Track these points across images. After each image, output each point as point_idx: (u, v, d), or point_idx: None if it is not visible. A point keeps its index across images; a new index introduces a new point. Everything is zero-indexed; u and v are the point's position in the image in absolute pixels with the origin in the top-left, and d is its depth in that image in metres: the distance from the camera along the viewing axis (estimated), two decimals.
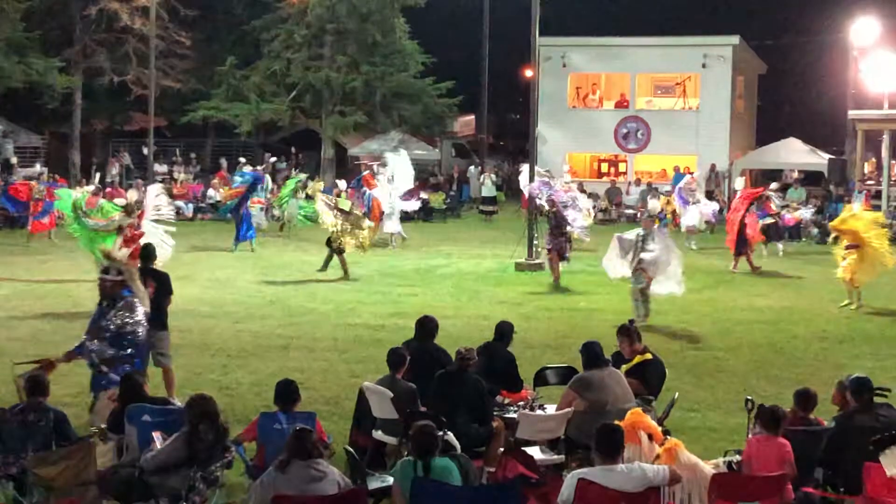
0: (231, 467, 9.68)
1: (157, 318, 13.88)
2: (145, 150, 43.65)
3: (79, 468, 9.27)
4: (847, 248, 21.90)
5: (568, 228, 24.44)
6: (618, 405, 10.56)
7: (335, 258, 25.05)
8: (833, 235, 24.01)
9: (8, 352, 16.75)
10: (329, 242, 25.09)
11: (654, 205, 34.29)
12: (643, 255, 19.48)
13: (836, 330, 19.56)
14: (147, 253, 14.26)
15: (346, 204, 25.88)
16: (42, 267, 25.35)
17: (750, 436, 10.02)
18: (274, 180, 40.94)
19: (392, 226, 30.87)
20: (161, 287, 13.84)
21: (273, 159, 45.51)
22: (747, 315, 21.04)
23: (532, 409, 11.42)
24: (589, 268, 27.26)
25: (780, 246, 30.89)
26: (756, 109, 53.72)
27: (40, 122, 49.27)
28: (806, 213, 35.43)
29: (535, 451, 10.65)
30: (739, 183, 31.97)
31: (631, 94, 46.71)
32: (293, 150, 51.53)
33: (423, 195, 33.95)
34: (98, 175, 38.48)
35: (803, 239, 34.45)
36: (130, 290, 12.48)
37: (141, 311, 12.24)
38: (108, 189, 36.31)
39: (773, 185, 34.22)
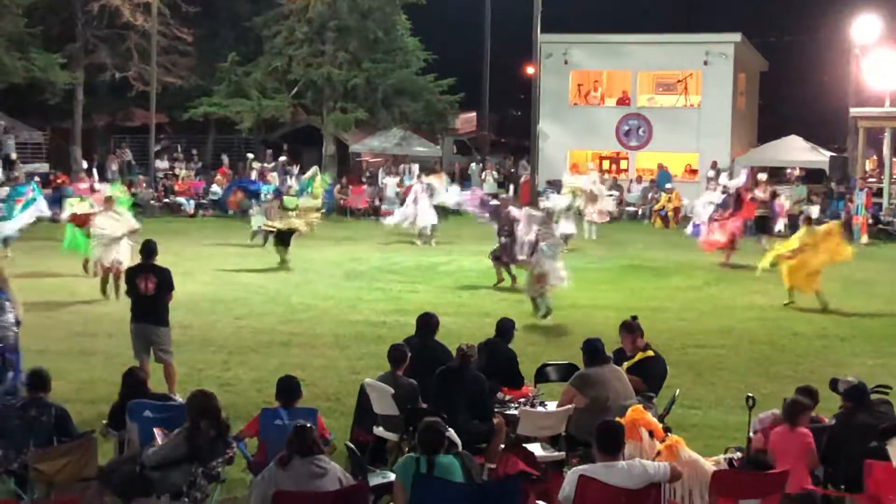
0: (232, 463, 9.70)
1: (159, 314, 13.88)
2: (160, 146, 43.79)
3: (80, 464, 9.29)
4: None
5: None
6: (619, 402, 10.57)
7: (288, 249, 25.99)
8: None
9: None
10: (279, 239, 25.90)
11: (558, 200, 31.66)
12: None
13: (837, 328, 19.57)
14: (149, 249, 14.23)
15: (292, 202, 26.58)
16: (45, 263, 25.32)
17: (751, 433, 10.05)
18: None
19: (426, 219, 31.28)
20: (162, 283, 13.83)
21: (282, 158, 45.41)
22: (748, 312, 21.05)
23: (533, 405, 11.43)
24: (590, 265, 27.33)
25: (763, 240, 30.03)
26: (757, 107, 53.66)
27: (42, 118, 49.26)
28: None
29: (535, 448, 10.66)
30: (723, 179, 31.67)
31: (632, 91, 46.64)
32: (285, 147, 51.59)
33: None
34: (95, 172, 38.39)
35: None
36: (4, 293, 12.45)
37: (11, 316, 12.12)
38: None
39: (762, 176, 33.75)
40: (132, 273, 14.06)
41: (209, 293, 21.81)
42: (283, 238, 25.87)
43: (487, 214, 24.12)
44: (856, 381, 10.42)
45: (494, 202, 24.73)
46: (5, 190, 28.53)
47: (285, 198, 26.91)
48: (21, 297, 20.95)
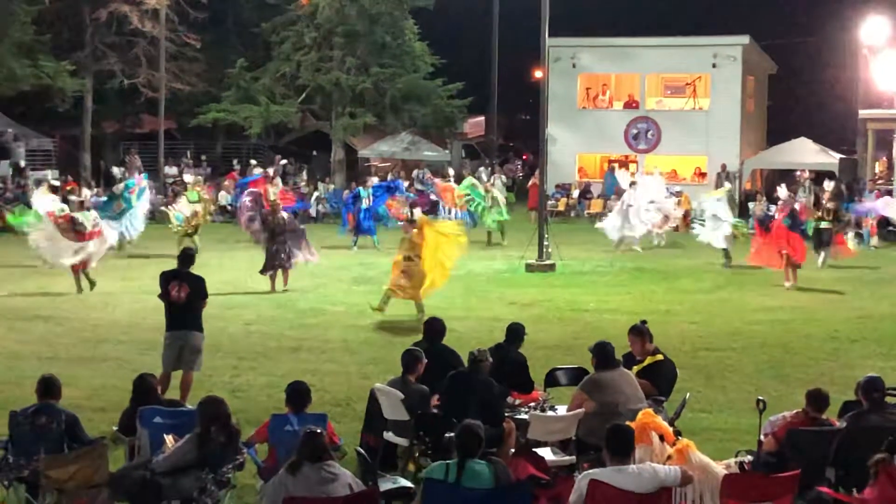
0: (242, 469, 9.69)
1: (194, 320, 13.86)
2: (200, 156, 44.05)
3: (91, 470, 9.28)
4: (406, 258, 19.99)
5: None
6: (629, 406, 10.54)
7: (194, 240, 28.33)
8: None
9: (20, 354, 16.83)
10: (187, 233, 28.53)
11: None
12: None
13: (847, 330, 19.49)
14: (185, 256, 14.21)
15: (194, 195, 29.68)
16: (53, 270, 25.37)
17: (761, 436, 10.03)
18: (284, 181, 41.03)
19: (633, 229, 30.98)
20: (195, 290, 13.80)
21: (283, 161, 45.57)
22: (758, 315, 20.98)
23: (543, 410, 11.40)
24: (599, 268, 27.31)
25: (821, 256, 27.38)
26: (766, 109, 53.63)
27: (51, 126, 49.38)
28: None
29: (546, 453, 10.64)
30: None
31: (641, 94, 46.64)
32: (315, 153, 51.91)
33: None
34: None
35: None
36: None
37: None
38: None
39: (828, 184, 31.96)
40: (165, 278, 13.98)
41: (218, 299, 21.63)
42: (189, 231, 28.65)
43: (258, 227, 23.60)
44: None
45: (250, 213, 24.04)
46: (120, 187, 30.23)
47: (188, 192, 30.00)
48: (31, 304, 21.25)
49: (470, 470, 8.35)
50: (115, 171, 43.04)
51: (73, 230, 22.89)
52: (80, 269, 22.86)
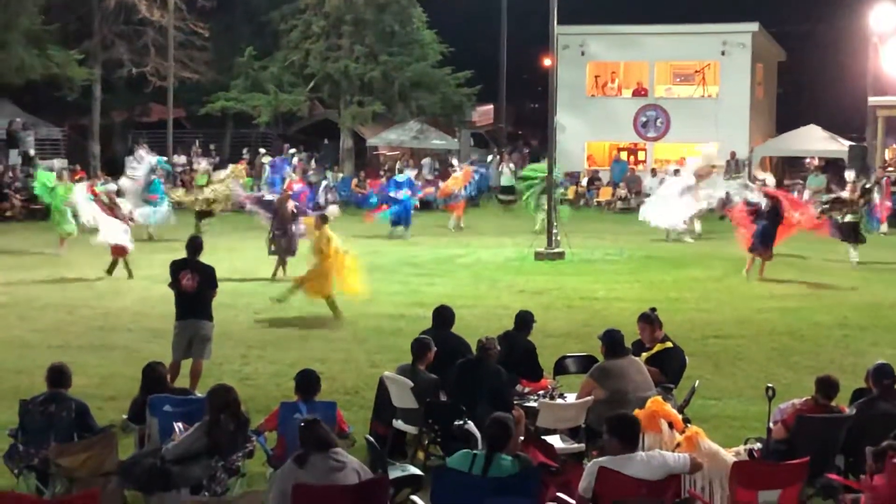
0: (252, 457, 9.72)
1: (203, 309, 13.88)
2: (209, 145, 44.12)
3: (101, 458, 9.31)
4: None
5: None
6: (638, 393, 10.55)
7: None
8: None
9: (30, 343, 16.87)
10: (198, 215, 29.23)
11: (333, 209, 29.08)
12: None
13: (857, 317, 19.46)
14: (194, 246, 14.19)
15: (203, 179, 31.04)
16: (64, 258, 25.41)
17: (770, 423, 10.03)
18: (293, 170, 41.04)
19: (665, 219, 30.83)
20: (205, 280, 13.82)
21: (292, 150, 45.56)
22: (767, 302, 20.96)
23: (552, 397, 11.41)
24: (608, 256, 27.30)
25: (852, 253, 26.13)
26: (776, 96, 53.51)
27: (60, 115, 49.42)
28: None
29: (555, 440, 10.66)
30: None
31: (650, 82, 46.56)
32: (326, 140, 51.96)
33: None
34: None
35: None
36: None
37: None
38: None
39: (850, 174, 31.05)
40: (175, 267, 13.97)
41: (227, 287, 21.62)
42: (202, 215, 29.14)
43: (270, 214, 24.36)
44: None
45: (270, 197, 25.65)
46: (152, 177, 31.13)
47: (196, 175, 31.50)
48: (42, 293, 21.29)
49: (496, 464, 8.34)
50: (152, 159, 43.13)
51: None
52: (121, 255, 23.17)
